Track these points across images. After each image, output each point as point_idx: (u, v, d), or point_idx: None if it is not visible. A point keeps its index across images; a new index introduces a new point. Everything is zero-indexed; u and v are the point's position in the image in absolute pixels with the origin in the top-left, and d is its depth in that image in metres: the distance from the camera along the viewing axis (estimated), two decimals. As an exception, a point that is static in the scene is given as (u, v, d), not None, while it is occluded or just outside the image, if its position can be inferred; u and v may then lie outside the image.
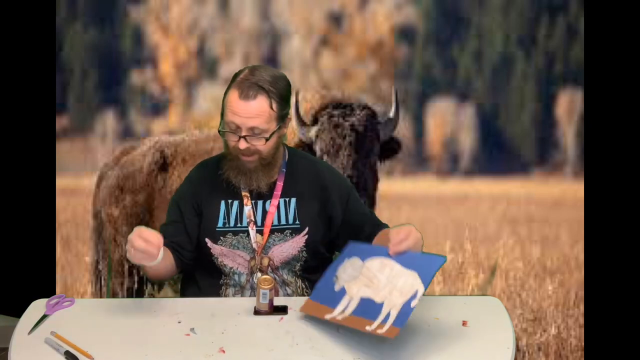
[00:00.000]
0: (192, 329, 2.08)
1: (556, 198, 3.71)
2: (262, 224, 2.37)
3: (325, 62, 3.73)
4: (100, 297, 3.68)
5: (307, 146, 3.56)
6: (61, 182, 3.74)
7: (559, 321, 3.59)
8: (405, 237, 2.06)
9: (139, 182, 3.68)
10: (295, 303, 2.20)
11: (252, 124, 2.23)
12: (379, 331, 1.93)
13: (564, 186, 3.70)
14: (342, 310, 2.04)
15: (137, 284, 3.65)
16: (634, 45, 3.43)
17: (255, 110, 2.23)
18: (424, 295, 1.95)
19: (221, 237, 2.38)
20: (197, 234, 2.40)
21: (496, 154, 3.73)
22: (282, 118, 2.30)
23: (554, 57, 3.68)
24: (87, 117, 3.78)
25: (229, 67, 3.71)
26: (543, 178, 3.73)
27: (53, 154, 3.75)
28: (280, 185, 2.39)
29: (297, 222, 2.39)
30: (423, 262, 2.01)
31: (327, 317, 2.05)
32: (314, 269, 2.42)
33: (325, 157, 3.50)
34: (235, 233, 2.38)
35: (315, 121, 3.58)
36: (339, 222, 2.42)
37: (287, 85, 2.32)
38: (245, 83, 2.24)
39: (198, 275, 2.46)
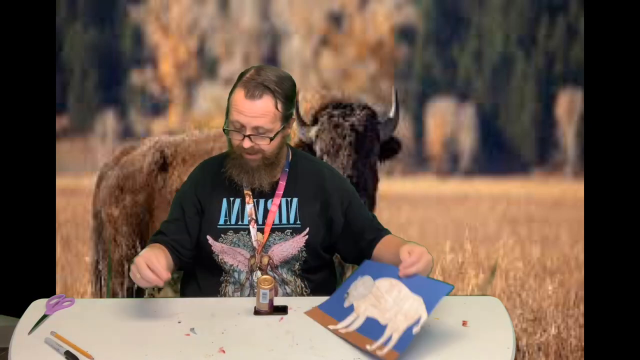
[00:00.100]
0: (192, 329, 2.09)
1: (556, 198, 3.71)
2: (263, 223, 2.38)
3: (325, 62, 3.72)
4: (100, 297, 3.67)
5: (307, 146, 3.55)
6: (61, 182, 3.74)
7: (559, 321, 3.59)
8: (417, 260, 2.07)
9: (139, 182, 3.67)
10: (295, 303, 2.20)
11: (257, 123, 2.24)
12: (379, 352, 1.95)
13: (564, 186, 3.70)
14: (347, 325, 2.06)
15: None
16: (634, 45, 3.43)
17: (260, 110, 2.24)
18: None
19: (222, 235, 2.38)
20: (197, 233, 2.41)
21: (496, 154, 3.73)
22: (286, 118, 2.30)
23: (554, 57, 3.67)
24: (87, 117, 3.78)
25: (229, 67, 3.71)
26: (543, 178, 3.72)
27: (53, 154, 3.74)
28: (282, 184, 2.40)
29: (298, 222, 2.39)
30: (430, 288, 2.02)
31: (330, 327, 2.08)
32: (313, 269, 2.43)
33: (325, 157, 3.50)
34: (236, 231, 2.38)
35: (315, 121, 3.58)
36: (339, 225, 2.42)
37: (293, 86, 2.33)
38: (251, 83, 2.25)
39: (198, 273, 2.48)
